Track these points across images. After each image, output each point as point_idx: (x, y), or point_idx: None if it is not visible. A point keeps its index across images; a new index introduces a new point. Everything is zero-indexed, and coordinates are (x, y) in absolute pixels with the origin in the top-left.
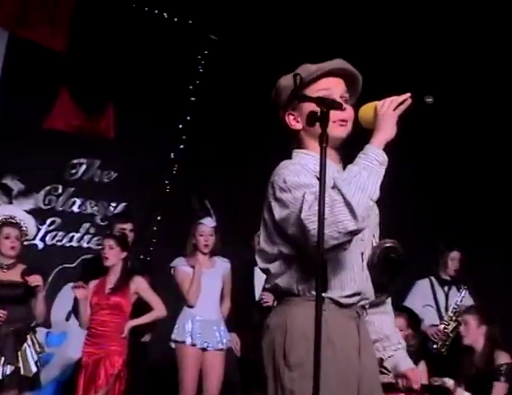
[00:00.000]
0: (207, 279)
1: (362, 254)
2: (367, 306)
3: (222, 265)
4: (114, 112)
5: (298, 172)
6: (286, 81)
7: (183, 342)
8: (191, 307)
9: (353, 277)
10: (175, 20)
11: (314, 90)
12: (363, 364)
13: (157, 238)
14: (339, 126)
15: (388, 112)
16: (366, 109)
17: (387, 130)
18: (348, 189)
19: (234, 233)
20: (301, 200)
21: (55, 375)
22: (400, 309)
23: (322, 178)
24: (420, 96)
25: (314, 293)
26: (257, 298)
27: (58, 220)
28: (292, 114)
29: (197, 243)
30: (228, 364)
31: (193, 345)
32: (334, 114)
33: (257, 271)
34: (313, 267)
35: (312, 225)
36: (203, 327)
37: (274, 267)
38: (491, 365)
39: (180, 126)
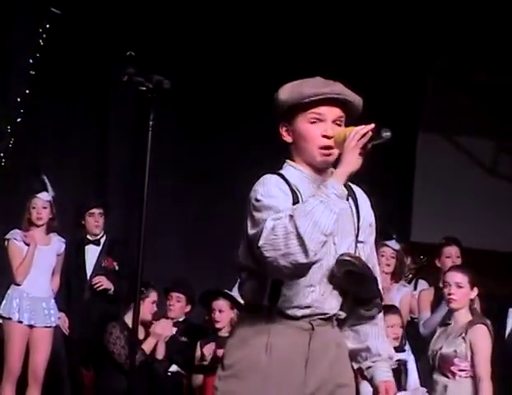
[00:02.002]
0: (41, 255)
1: (328, 269)
2: (338, 318)
3: (58, 243)
4: None
5: (270, 191)
6: (284, 94)
7: (10, 318)
8: (17, 285)
9: (307, 290)
10: None
11: (307, 112)
12: (313, 374)
13: None
14: (323, 155)
15: (352, 143)
16: (339, 135)
17: (350, 162)
18: (302, 223)
19: (67, 210)
20: (264, 225)
21: None
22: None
23: None
24: (379, 129)
25: (261, 304)
26: (88, 277)
27: None
28: (285, 126)
29: (31, 216)
30: (55, 341)
31: (20, 321)
32: (319, 140)
33: (87, 249)
34: (266, 279)
35: (267, 254)
36: (32, 304)
37: (243, 276)
38: None
39: (18, 99)
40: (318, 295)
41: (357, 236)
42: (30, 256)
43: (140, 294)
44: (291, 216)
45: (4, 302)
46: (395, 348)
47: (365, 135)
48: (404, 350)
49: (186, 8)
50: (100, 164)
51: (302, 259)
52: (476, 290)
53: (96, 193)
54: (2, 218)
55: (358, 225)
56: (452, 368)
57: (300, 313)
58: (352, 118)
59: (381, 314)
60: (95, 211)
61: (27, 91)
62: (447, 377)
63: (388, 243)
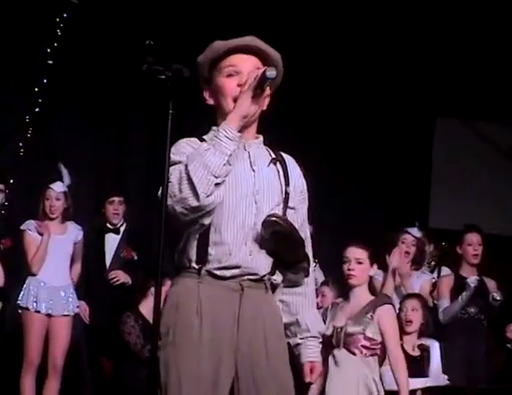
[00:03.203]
0: (57, 244)
1: (252, 228)
2: (273, 282)
3: (74, 231)
4: None
5: (180, 149)
6: (202, 57)
7: (27, 308)
8: (33, 275)
9: (233, 250)
10: None
11: (222, 67)
12: (243, 335)
13: (10, 201)
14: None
15: (243, 88)
16: None
17: (241, 106)
18: (193, 166)
19: (87, 198)
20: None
21: None
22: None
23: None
24: (265, 70)
25: (190, 265)
26: (107, 266)
27: None
28: (206, 90)
29: (44, 207)
30: (75, 331)
31: (38, 311)
32: (236, 91)
33: (107, 238)
34: (192, 239)
35: (168, 202)
36: (50, 293)
37: (174, 241)
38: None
39: (36, 89)
40: (245, 254)
41: (287, 201)
42: (44, 246)
43: (157, 283)
44: (185, 164)
45: (22, 293)
46: (418, 334)
47: (255, 78)
48: (428, 336)
49: None
50: (119, 154)
51: (194, 202)
52: (375, 267)
53: (115, 183)
54: (22, 207)
55: (286, 190)
56: (359, 345)
57: (228, 273)
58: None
59: (312, 285)
60: (115, 199)
61: (45, 81)
62: (353, 354)
63: (409, 230)
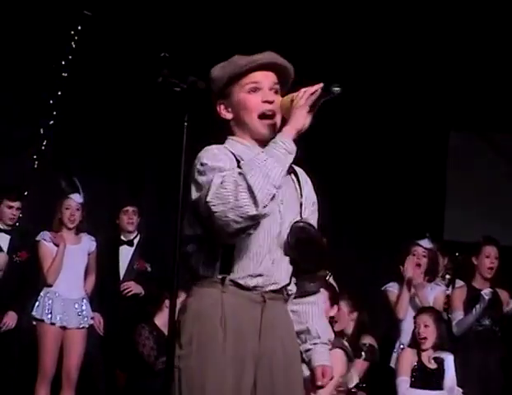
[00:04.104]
0: (71, 255)
1: (276, 237)
2: (289, 292)
3: (88, 242)
4: None
5: (215, 155)
6: (219, 71)
7: (42, 320)
8: (49, 286)
9: (258, 258)
10: None
11: (244, 83)
12: (264, 347)
13: (24, 213)
14: (265, 125)
15: (300, 102)
16: (285, 100)
17: (298, 121)
18: (252, 175)
19: (100, 210)
20: (211, 183)
21: None
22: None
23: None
24: (329, 85)
25: (214, 275)
26: (121, 278)
27: None
28: (223, 104)
29: (63, 216)
30: (90, 342)
31: (53, 323)
32: (261, 106)
33: (121, 250)
34: (217, 248)
35: (215, 208)
36: (64, 305)
37: (190, 248)
38: (355, 344)
39: (51, 101)
40: (268, 262)
41: (301, 213)
42: (60, 256)
43: (171, 295)
44: (240, 172)
45: (37, 304)
46: (433, 346)
47: (313, 93)
48: (444, 349)
49: (219, 8)
50: (134, 165)
51: (252, 211)
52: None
53: (130, 194)
54: (34, 220)
55: (301, 201)
56: None
57: (252, 282)
58: (285, 86)
59: (321, 294)
60: (130, 208)
61: (59, 93)
62: None
63: (419, 242)
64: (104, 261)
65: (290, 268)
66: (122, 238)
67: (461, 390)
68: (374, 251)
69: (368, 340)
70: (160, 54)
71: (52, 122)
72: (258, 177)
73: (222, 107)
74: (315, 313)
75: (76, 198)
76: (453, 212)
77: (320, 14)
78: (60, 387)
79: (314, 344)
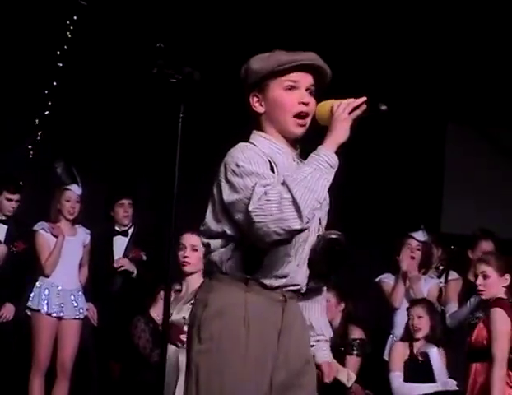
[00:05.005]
0: (68, 247)
1: (305, 240)
2: (302, 291)
3: (83, 234)
4: None
5: (251, 158)
6: (258, 64)
7: (39, 311)
8: (46, 276)
9: (285, 261)
10: None
11: (283, 80)
12: (282, 347)
13: (20, 204)
14: (297, 125)
15: (343, 115)
16: (323, 107)
17: (340, 133)
18: (298, 189)
19: (95, 201)
20: (251, 190)
21: None
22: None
23: None
24: (375, 102)
25: (240, 273)
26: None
27: None
28: (257, 96)
29: (62, 208)
30: (84, 333)
31: (49, 314)
32: (296, 106)
33: (115, 240)
34: (245, 248)
35: (257, 219)
36: (61, 296)
37: (214, 243)
38: (345, 340)
39: (46, 92)
40: (294, 265)
41: (320, 217)
42: (59, 247)
43: (166, 287)
44: (284, 183)
45: (33, 294)
46: (426, 337)
47: (357, 107)
48: (436, 341)
49: None
50: (129, 157)
51: (296, 225)
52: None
53: (125, 185)
54: (30, 210)
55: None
56: (181, 336)
57: (276, 283)
58: (320, 89)
59: (324, 291)
60: (125, 201)
61: (55, 84)
62: (177, 346)
63: (413, 234)
64: (98, 252)
65: (307, 270)
66: (116, 228)
67: (455, 382)
68: (370, 243)
69: (357, 334)
70: (156, 45)
71: (47, 112)
72: (303, 191)
73: (255, 100)
74: (318, 311)
75: (76, 190)
76: (451, 204)
77: (318, 8)
78: (54, 377)
79: (318, 341)
